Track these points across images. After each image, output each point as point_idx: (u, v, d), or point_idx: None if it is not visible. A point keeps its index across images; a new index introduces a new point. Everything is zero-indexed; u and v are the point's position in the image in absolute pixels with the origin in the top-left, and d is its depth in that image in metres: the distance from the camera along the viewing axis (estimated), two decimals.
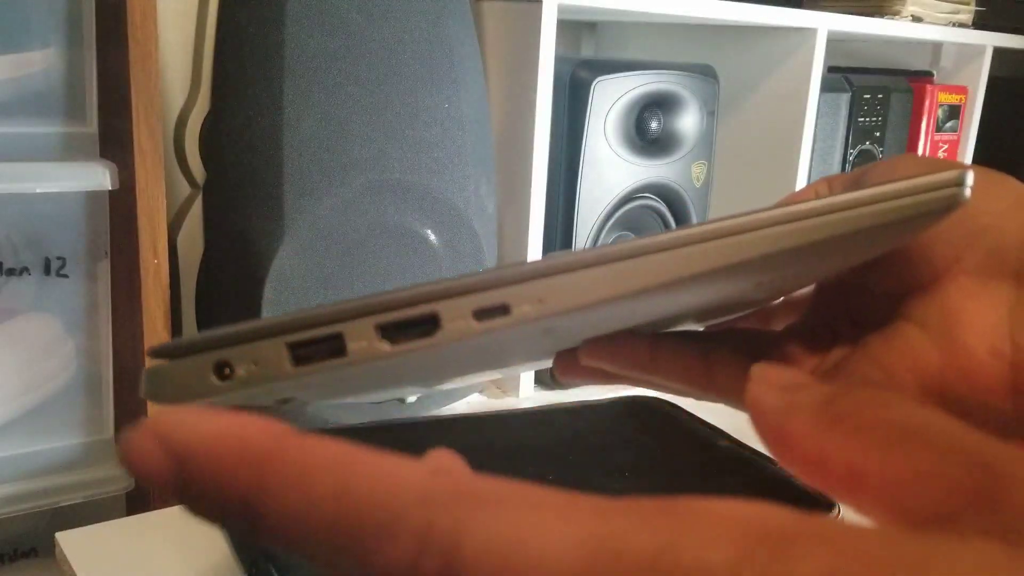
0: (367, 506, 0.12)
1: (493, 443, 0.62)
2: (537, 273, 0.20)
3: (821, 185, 0.29)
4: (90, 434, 0.65)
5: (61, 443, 0.64)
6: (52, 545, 0.52)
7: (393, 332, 0.20)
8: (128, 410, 0.65)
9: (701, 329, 0.31)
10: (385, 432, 0.63)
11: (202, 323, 0.65)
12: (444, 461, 0.14)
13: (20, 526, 0.63)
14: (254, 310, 0.61)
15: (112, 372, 0.65)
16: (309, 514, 0.12)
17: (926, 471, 0.14)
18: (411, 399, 0.67)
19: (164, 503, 0.63)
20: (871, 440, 0.15)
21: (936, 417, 0.16)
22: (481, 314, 0.20)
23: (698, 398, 0.29)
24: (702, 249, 0.20)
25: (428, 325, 0.20)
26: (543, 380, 0.79)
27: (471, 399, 0.75)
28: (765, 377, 0.19)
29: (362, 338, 0.20)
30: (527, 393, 0.77)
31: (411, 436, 0.63)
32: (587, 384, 0.30)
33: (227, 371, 0.20)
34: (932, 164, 0.22)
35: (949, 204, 0.21)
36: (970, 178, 0.21)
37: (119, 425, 0.66)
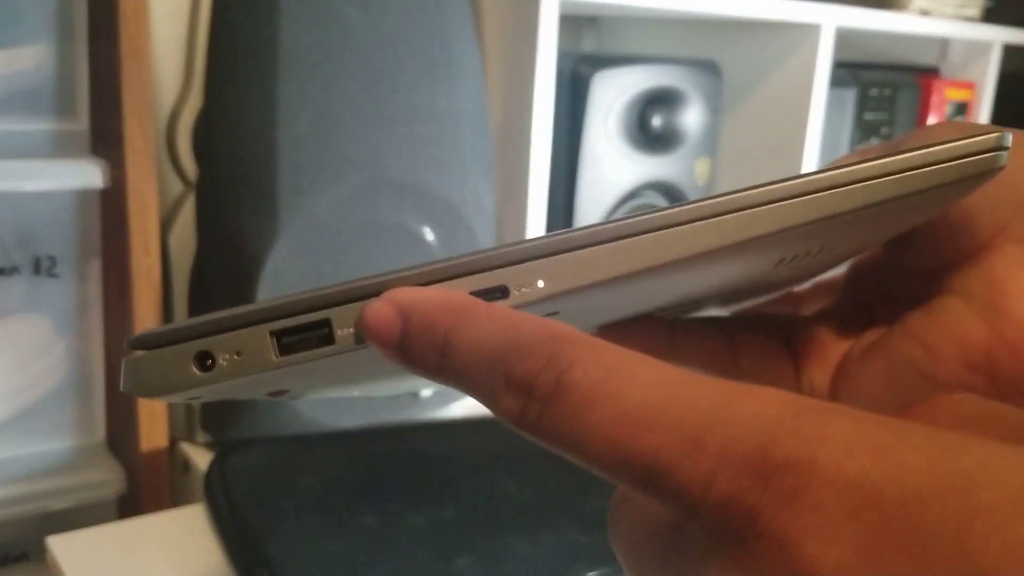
0: (521, 336, 0.17)
1: (491, 447, 0.62)
2: (537, 252, 0.19)
3: (853, 158, 0.28)
4: (81, 437, 0.64)
5: (52, 446, 0.63)
6: (43, 549, 0.52)
7: None
8: (120, 412, 0.64)
9: (725, 315, 0.30)
10: (384, 435, 0.62)
11: None
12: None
13: (10, 530, 0.62)
14: None
15: (103, 374, 0.64)
16: (484, 341, 0.17)
17: None
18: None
19: (156, 506, 0.62)
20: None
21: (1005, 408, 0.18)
22: (485, 294, 0.19)
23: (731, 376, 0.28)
24: (719, 223, 0.19)
25: None
26: None
27: (469, 401, 0.74)
28: None
29: (351, 324, 0.19)
30: None
31: (410, 439, 0.62)
32: None
33: (209, 362, 0.19)
34: (970, 129, 0.21)
35: (986, 168, 0.19)
36: (1008, 140, 0.20)
37: (111, 428, 0.65)
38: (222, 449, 0.58)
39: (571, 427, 0.16)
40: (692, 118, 0.78)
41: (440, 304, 0.18)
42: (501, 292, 0.19)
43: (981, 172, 0.20)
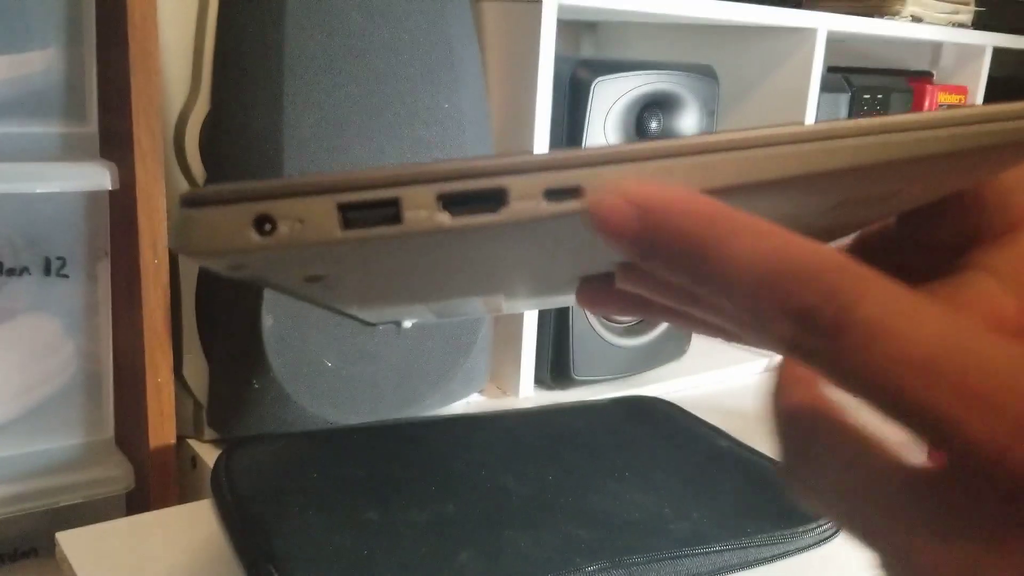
0: (798, 261, 0.16)
1: (492, 443, 0.62)
2: (615, 157, 0.18)
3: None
4: (90, 434, 0.65)
5: (61, 443, 0.63)
6: (52, 545, 0.52)
7: (455, 204, 0.18)
8: (128, 410, 0.64)
9: None
10: (387, 432, 0.63)
11: (202, 324, 0.65)
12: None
13: (20, 526, 0.63)
14: (254, 310, 0.61)
15: (112, 372, 0.65)
16: (754, 258, 0.16)
17: None
18: (407, 324, 0.65)
19: (164, 503, 0.63)
20: None
21: None
22: (552, 194, 0.18)
23: (737, 340, 0.28)
24: (801, 149, 0.19)
25: (493, 202, 0.18)
26: (542, 380, 0.79)
27: (471, 399, 0.75)
28: None
29: (421, 207, 0.18)
30: (526, 393, 0.77)
31: (413, 436, 0.62)
32: (614, 314, 0.28)
33: (268, 227, 0.18)
34: None
35: None
36: None
37: (119, 425, 0.66)
38: (229, 446, 0.58)
39: (850, 365, 0.16)
40: (689, 122, 0.79)
41: (689, 208, 0.17)
42: (576, 193, 0.18)
43: None
